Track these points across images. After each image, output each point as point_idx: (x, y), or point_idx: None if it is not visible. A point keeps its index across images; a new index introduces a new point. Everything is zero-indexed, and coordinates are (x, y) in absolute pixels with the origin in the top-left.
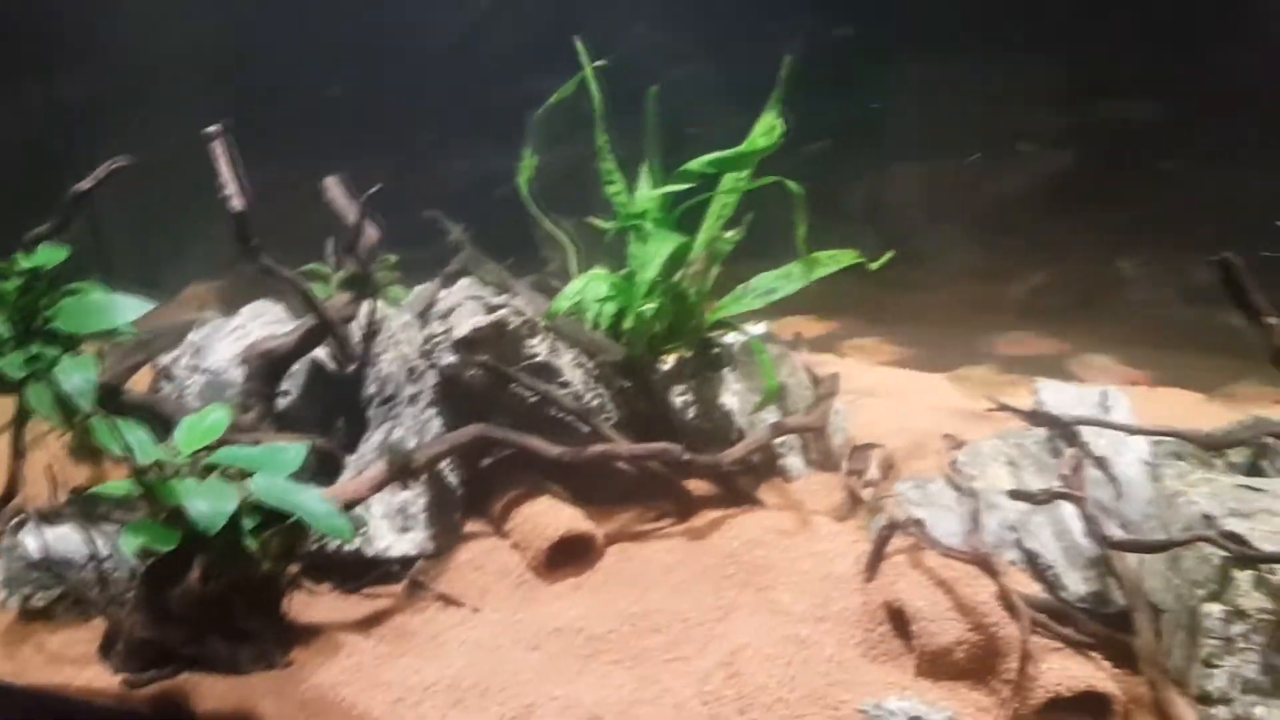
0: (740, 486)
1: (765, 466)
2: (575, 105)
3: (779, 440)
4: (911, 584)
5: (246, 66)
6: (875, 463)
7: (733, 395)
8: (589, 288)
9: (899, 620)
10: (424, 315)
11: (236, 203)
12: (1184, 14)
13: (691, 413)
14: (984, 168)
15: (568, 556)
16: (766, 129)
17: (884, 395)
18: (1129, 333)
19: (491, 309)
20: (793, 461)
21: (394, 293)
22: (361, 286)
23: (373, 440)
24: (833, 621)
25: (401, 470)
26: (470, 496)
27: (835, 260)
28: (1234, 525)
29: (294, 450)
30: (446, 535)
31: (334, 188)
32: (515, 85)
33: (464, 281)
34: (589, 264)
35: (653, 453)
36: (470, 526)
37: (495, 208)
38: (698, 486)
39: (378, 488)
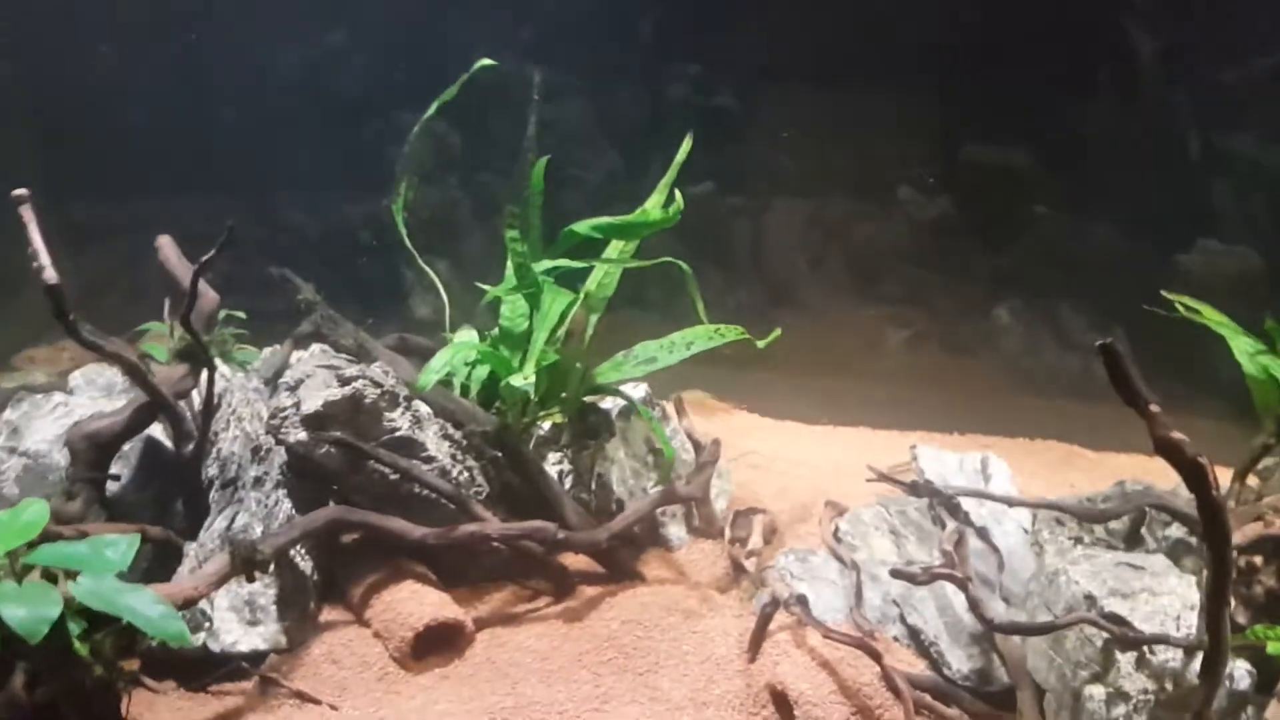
0: (620, 560)
1: (647, 536)
2: (441, 144)
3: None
4: (794, 665)
5: (80, 103)
6: (758, 530)
7: (612, 464)
8: (458, 358)
9: (782, 704)
10: (273, 383)
11: (49, 275)
12: (1050, 63)
13: (569, 483)
14: (862, 213)
15: (434, 645)
16: (661, 203)
17: (764, 452)
18: (1007, 381)
19: (345, 381)
20: (674, 530)
21: (241, 354)
22: (198, 357)
23: (215, 527)
24: (714, 707)
25: (246, 564)
26: (326, 583)
27: (721, 335)
28: (1115, 606)
29: (123, 545)
30: (300, 627)
31: (167, 247)
32: (373, 125)
33: (316, 348)
34: (462, 318)
35: (526, 532)
36: (327, 615)
37: (356, 255)
38: (575, 561)
39: (219, 583)
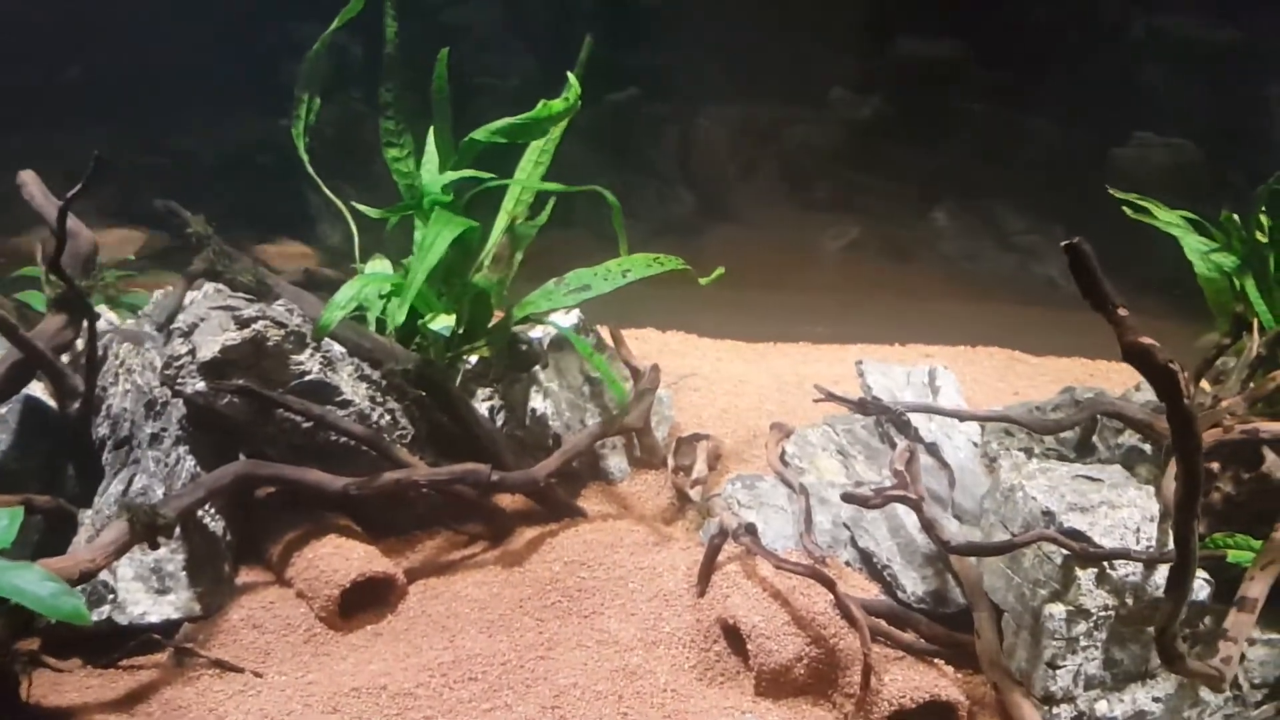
0: (559, 498)
1: (586, 470)
2: (342, 55)
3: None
4: (746, 597)
5: None
6: (702, 456)
7: (546, 397)
8: (365, 291)
9: (734, 637)
10: (166, 329)
11: None
12: None
13: (501, 420)
14: (793, 116)
15: (364, 601)
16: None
17: (704, 374)
18: (946, 286)
19: (243, 322)
20: (615, 462)
21: (130, 298)
22: (76, 305)
23: (110, 491)
24: (665, 645)
25: (147, 530)
26: (242, 543)
27: (660, 264)
28: (1074, 521)
29: (3, 519)
30: (216, 591)
31: (31, 184)
32: (267, 37)
33: (210, 288)
34: (372, 246)
35: (457, 476)
36: (245, 578)
37: (258, 180)
38: (512, 502)
39: (119, 552)
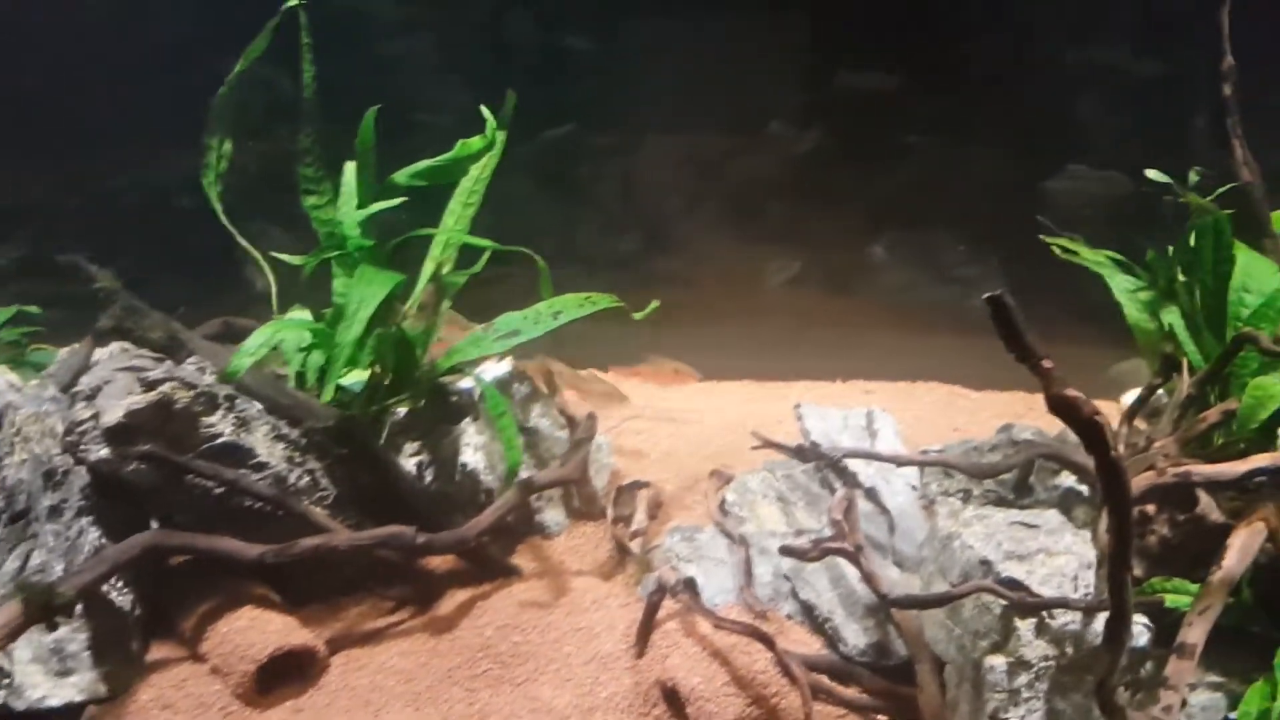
0: (491, 556)
1: (521, 524)
2: (269, 89)
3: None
4: (685, 657)
5: None
6: (642, 506)
7: (475, 450)
8: (279, 337)
9: (673, 701)
10: (71, 391)
11: None
12: None
13: (429, 476)
14: (731, 150)
15: (283, 675)
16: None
17: (645, 415)
18: (885, 319)
19: (150, 384)
20: (551, 515)
21: (37, 355)
22: None
23: (5, 569)
24: (602, 711)
25: (44, 610)
26: (153, 616)
27: (592, 304)
28: (1012, 569)
29: None
30: (123, 671)
31: None
32: (193, 71)
33: (116, 347)
34: (302, 292)
35: (380, 539)
36: (156, 654)
37: (182, 222)
38: (442, 562)
39: (12, 635)
